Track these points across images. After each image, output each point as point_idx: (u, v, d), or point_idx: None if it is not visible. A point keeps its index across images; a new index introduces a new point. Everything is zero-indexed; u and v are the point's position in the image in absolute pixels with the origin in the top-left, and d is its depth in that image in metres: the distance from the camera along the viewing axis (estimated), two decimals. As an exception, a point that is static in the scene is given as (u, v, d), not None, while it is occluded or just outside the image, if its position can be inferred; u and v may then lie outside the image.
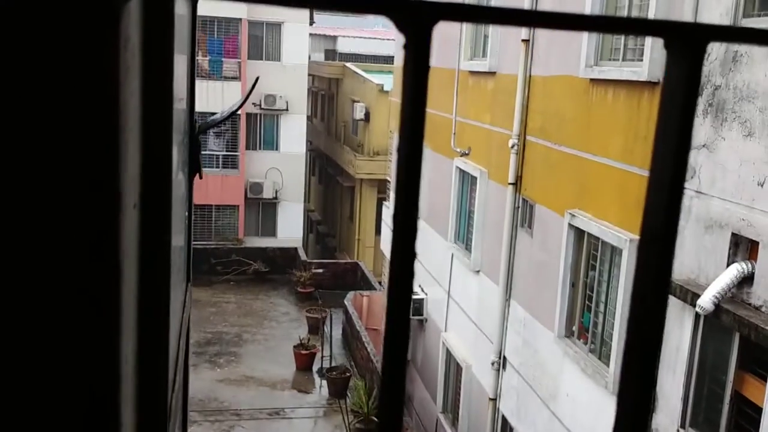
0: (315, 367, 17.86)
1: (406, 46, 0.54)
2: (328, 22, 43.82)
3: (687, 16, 6.75)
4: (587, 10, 8.51)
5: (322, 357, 17.67)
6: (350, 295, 19.92)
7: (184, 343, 1.36)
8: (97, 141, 0.45)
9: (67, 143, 0.45)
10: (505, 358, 10.92)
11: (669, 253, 0.55)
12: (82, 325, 0.49)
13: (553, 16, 0.52)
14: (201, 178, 1.62)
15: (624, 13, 8.12)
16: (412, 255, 0.54)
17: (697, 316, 6.55)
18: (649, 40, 7.37)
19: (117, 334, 0.51)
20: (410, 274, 0.49)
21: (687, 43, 0.52)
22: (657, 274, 0.57)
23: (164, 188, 0.71)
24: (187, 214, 1.52)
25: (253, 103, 25.81)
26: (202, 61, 25.22)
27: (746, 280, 6.06)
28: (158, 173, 0.69)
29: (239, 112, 25.12)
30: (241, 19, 25.22)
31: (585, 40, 8.55)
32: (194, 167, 1.51)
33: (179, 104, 1.33)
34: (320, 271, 23.11)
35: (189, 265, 1.61)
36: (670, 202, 0.56)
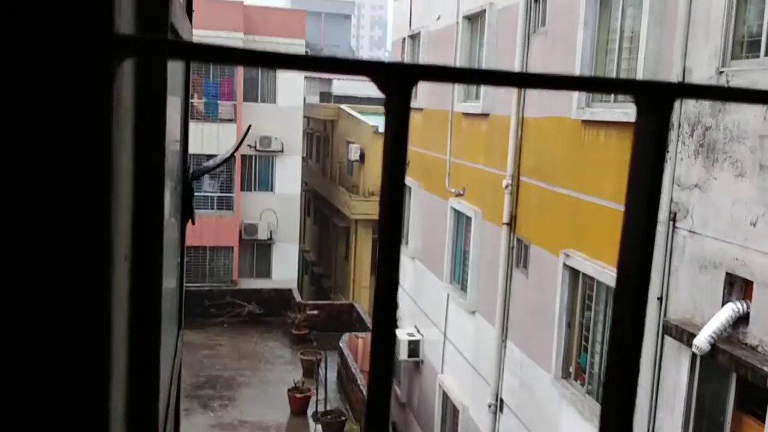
0: (310, 411, 17.62)
1: (386, 105, 0.56)
2: (324, 65, 44.23)
3: (677, 58, 6.87)
4: (578, 58, 8.66)
5: (317, 400, 17.45)
6: (345, 336, 19.78)
7: (175, 390, 1.36)
8: (88, 196, 0.47)
9: (56, 198, 0.46)
10: (502, 400, 10.81)
11: (642, 303, 0.56)
12: (70, 375, 0.50)
13: (526, 77, 0.54)
14: (194, 224, 1.63)
15: (615, 56, 8.27)
16: (393, 325, 0.55)
17: (693, 356, 6.52)
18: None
19: (106, 386, 0.52)
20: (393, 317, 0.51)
21: (655, 100, 0.55)
22: (632, 332, 0.59)
23: (155, 240, 0.73)
24: (179, 260, 1.53)
25: (248, 145, 25.95)
26: (198, 103, 25.44)
27: (742, 319, 6.06)
28: (150, 226, 0.71)
29: (234, 153, 25.24)
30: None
31: (576, 82, 8.68)
32: (187, 213, 1.52)
33: (172, 150, 1.36)
34: (315, 312, 22.97)
35: (181, 311, 1.61)
36: (643, 252, 0.57)
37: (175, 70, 1.37)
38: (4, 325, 0.47)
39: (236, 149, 2.35)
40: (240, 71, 25.73)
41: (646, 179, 0.57)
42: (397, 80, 0.53)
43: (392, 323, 0.54)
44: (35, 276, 0.47)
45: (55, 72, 0.44)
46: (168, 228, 1.19)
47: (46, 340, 0.47)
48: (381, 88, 0.54)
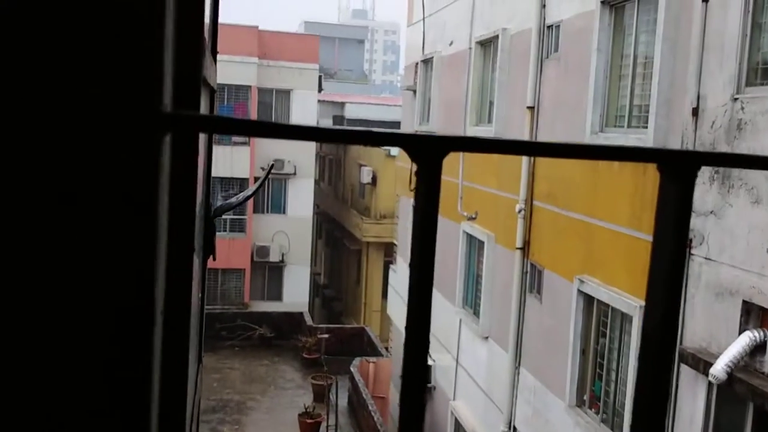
0: (321, 436, 17.51)
1: (417, 173, 0.58)
2: (337, 88, 44.70)
3: (691, 85, 6.87)
4: (591, 84, 8.68)
5: (328, 426, 17.34)
6: (356, 361, 19.67)
7: (196, 426, 1.37)
8: (137, 260, 0.49)
9: (109, 262, 0.49)
10: (515, 427, 10.71)
11: (667, 372, 0.57)
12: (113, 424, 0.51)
13: (552, 147, 0.56)
14: (215, 259, 1.66)
15: (628, 82, 8.28)
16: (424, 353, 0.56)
17: (710, 385, 6.45)
18: (653, 107, 7.50)
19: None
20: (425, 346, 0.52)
21: (679, 169, 0.56)
22: (657, 398, 0.59)
23: (185, 296, 0.75)
24: (200, 294, 1.55)
25: (261, 168, 26.10)
26: (213, 127, 25.65)
27: (759, 348, 5.99)
28: (180, 281, 0.73)
29: (248, 176, 25.40)
30: (250, 87, 25.77)
31: (590, 106, 8.70)
32: (209, 250, 1.55)
33: (198, 191, 1.38)
34: (326, 336, 22.91)
35: (201, 346, 1.63)
36: (668, 315, 0.58)
37: (204, 104, 1.40)
38: (55, 390, 0.48)
39: (259, 187, 2.38)
40: (254, 95, 25.96)
41: (670, 244, 0.58)
42: (429, 151, 0.55)
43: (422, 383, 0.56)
44: (88, 339, 0.49)
45: (109, 147, 0.47)
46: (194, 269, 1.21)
47: (93, 399, 0.49)
48: (413, 158, 0.56)
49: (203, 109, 1.16)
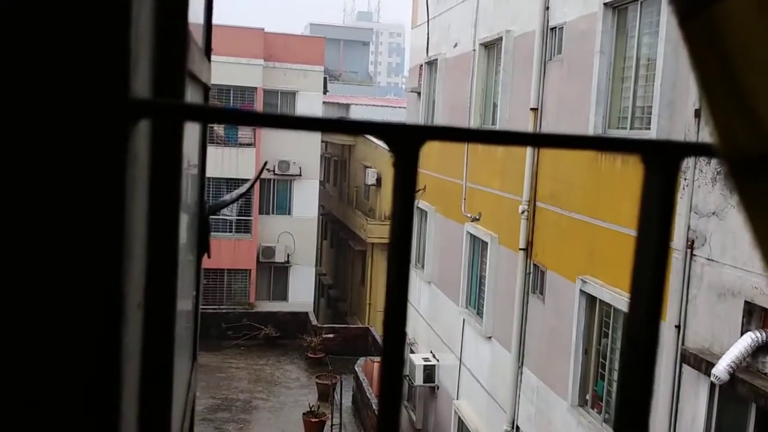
0: (325, 436, 17.51)
1: (395, 164, 0.57)
2: (342, 90, 44.75)
3: (693, 86, 6.86)
4: (594, 85, 8.67)
5: (332, 425, 17.35)
6: (361, 361, 19.70)
7: (188, 425, 1.37)
8: (102, 246, 0.49)
9: (71, 250, 0.48)
10: (518, 427, 10.69)
11: (652, 360, 0.56)
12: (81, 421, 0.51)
13: (535, 137, 0.55)
14: (209, 257, 1.65)
15: (631, 84, 8.27)
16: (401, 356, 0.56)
17: (712, 385, 6.43)
18: (656, 109, 7.48)
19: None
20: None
21: (662, 160, 0.55)
22: (640, 401, 0.59)
23: (169, 286, 0.74)
24: (195, 293, 1.55)
25: (267, 169, 26.13)
26: (218, 128, 25.69)
27: (761, 348, 5.97)
28: (164, 271, 0.73)
29: (251, 188, 25.41)
30: (256, 88, 25.80)
31: (593, 107, 8.69)
32: (203, 248, 1.55)
33: (189, 184, 1.38)
34: (331, 336, 22.93)
35: (195, 343, 1.63)
36: (651, 312, 0.57)
37: (196, 101, 1.39)
38: (12, 381, 0.48)
39: (252, 185, 2.38)
40: (260, 97, 25.99)
41: (653, 237, 0.57)
42: (405, 141, 0.54)
43: (400, 363, 0.55)
44: (48, 327, 0.48)
45: (72, 135, 0.46)
46: (183, 265, 1.20)
47: (55, 391, 0.48)
48: (390, 147, 0.55)
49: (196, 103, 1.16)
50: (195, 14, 1.28)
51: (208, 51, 1.47)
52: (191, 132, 1.37)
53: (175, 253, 0.77)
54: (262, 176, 26.11)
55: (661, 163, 0.56)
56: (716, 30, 0.49)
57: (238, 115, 0.48)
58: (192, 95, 1.13)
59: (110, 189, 0.48)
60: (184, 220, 1.28)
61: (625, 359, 0.60)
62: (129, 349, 0.59)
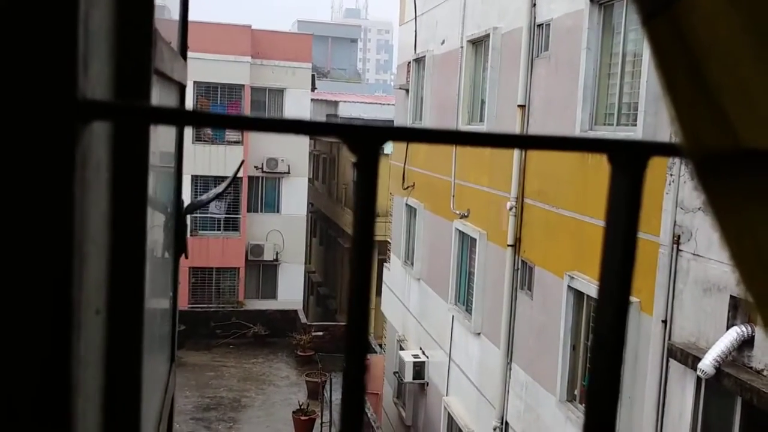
0: (315, 433, 17.51)
1: (356, 164, 0.56)
2: (330, 87, 44.66)
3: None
4: (581, 82, 8.69)
5: (322, 423, 17.35)
6: (351, 358, 19.65)
7: (165, 426, 1.35)
8: (49, 251, 0.47)
9: (17, 256, 0.46)
10: (507, 423, 10.72)
11: (618, 364, 0.56)
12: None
13: (500, 137, 0.54)
14: (187, 257, 1.63)
15: (617, 80, 8.29)
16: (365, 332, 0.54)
17: (698, 380, 6.46)
18: (642, 105, 7.50)
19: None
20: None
21: (629, 159, 0.55)
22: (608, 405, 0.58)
23: (136, 289, 0.73)
24: (172, 294, 1.53)
25: (255, 167, 26.06)
26: (205, 125, 25.56)
27: (746, 343, 6.01)
28: (129, 275, 0.71)
29: (241, 175, 25.35)
30: (244, 85, 25.71)
31: (580, 104, 8.71)
32: (180, 248, 1.53)
33: (164, 185, 1.36)
34: (320, 334, 22.91)
35: (174, 343, 1.61)
36: (619, 308, 0.57)
37: (169, 100, 1.37)
38: None
39: (229, 185, 2.37)
40: (248, 94, 25.90)
41: (620, 235, 0.56)
42: (365, 141, 0.53)
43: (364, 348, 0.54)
44: None
45: (16, 137, 0.45)
46: (158, 266, 1.19)
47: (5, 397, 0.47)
48: (351, 149, 0.54)
49: (166, 103, 1.14)
50: (167, 12, 1.26)
51: (183, 49, 1.45)
52: (166, 131, 1.35)
53: (142, 257, 0.76)
54: (251, 174, 26.04)
55: (628, 162, 0.55)
56: (680, 27, 0.48)
57: (191, 116, 0.46)
58: (163, 95, 1.11)
59: (57, 192, 0.46)
60: (159, 220, 1.26)
61: (594, 356, 0.60)
62: (88, 355, 0.58)
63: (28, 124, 0.45)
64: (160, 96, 1.03)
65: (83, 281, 0.54)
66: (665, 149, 0.56)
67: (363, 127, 0.52)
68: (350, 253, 0.58)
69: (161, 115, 0.45)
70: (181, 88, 1.46)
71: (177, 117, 0.46)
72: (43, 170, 0.46)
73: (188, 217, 1.74)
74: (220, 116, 0.47)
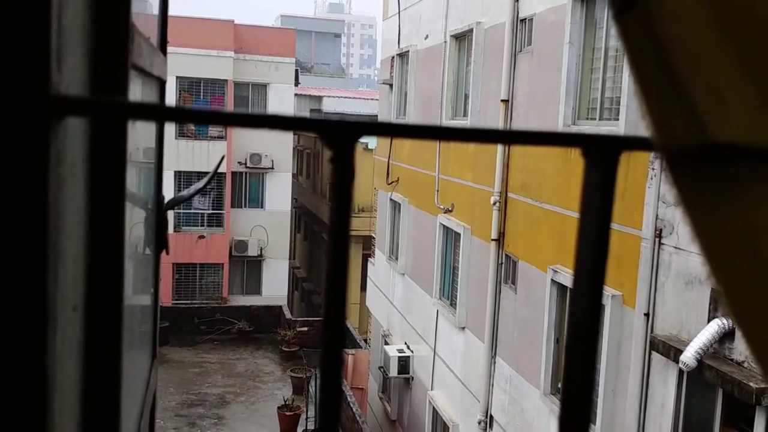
0: (300, 429, 17.51)
1: (332, 159, 0.56)
2: (314, 82, 44.53)
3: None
4: (563, 77, 8.73)
5: (307, 418, 17.35)
6: (336, 353, 19.65)
7: (147, 422, 1.35)
8: (22, 249, 0.47)
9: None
10: (491, 416, 10.78)
11: (593, 352, 0.56)
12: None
13: (470, 132, 0.55)
14: (168, 254, 1.63)
15: (600, 75, 8.33)
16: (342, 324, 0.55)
17: (680, 372, 6.53)
18: (624, 99, 7.55)
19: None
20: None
21: (602, 153, 0.55)
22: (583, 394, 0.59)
23: (114, 286, 0.73)
24: (153, 289, 1.53)
25: (238, 162, 25.96)
26: (188, 120, 25.41)
27: (728, 335, 6.08)
28: (107, 271, 0.71)
29: (225, 171, 25.24)
30: (227, 81, 25.58)
31: (563, 99, 8.75)
32: (161, 244, 1.52)
33: (146, 181, 1.35)
34: (305, 329, 22.88)
35: (155, 339, 1.60)
36: (593, 299, 0.57)
37: (148, 96, 1.37)
38: None
39: (209, 181, 2.36)
40: (231, 89, 25.77)
41: (594, 228, 0.57)
42: (341, 136, 0.54)
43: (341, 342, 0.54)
44: None
45: None
46: (138, 262, 1.18)
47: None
48: (326, 143, 0.55)
49: (145, 99, 1.13)
50: (146, 6, 1.25)
51: (163, 44, 1.44)
52: (146, 126, 1.34)
53: (120, 253, 0.75)
54: (234, 170, 25.93)
55: (601, 156, 0.56)
56: (650, 21, 0.48)
57: (168, 112, 0.46)
58: (142, 90, 1.11)
59: (31, 189, 0.46)
60: (139, 216, 1.26)
61: (569, 346, 0.60)
62: (65, 351, 0.58)
63: (1, 121, 0.45)
64: (139, 92, 1.03)
65: (59, 277, 0.53)
66: (637, 143, 0.56)
67: (338, 122, 0.52)
68: (326, 247, 0.58)
69: (138, 111, 0.45)
70: (161, 84, 1.45)
71: (154, 112, 0.46)
72: (16, 166, 0.45)
73: (169, 212, 1.74)
74: (197, 111, 0.47)
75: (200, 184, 2.20)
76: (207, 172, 24.17)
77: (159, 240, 1.47)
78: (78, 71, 0.59)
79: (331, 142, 0.53)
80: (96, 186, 0.64)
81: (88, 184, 0.62)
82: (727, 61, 0.47)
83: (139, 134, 1.21)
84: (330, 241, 0.56)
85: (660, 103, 0.52)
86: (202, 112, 0.48)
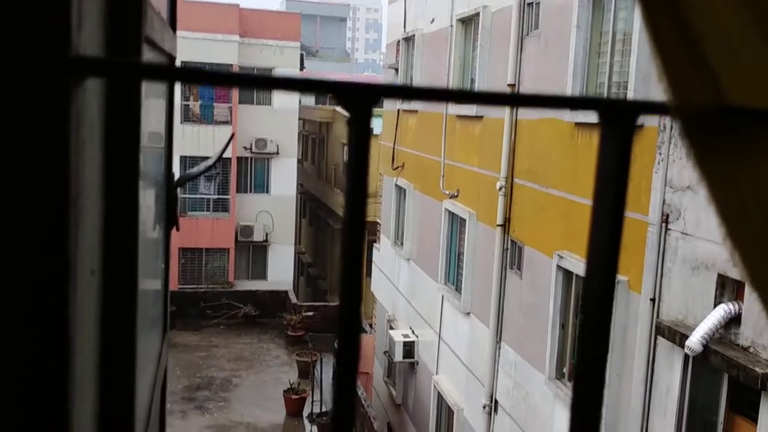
0: (305, 412, 17.62)
1: (349, 122, 0.57)
2: (319, 67, 44.40)
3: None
4: (570, 60, 8.68)
5: (313, 401, 17.46)
6: (341, 338, 19.74)
7: (159, 396, 1.36)
8: (41, 210, 0.47)
9: (8, 216, 0.47)
10: (496, 401, 10.82)
11: (606, 321, 0.56)
12: (27, 403, 0.49)
13: (489, 96, 0.55)
14: (178, 230, 1.64)
15: (607, 59, 8.29)
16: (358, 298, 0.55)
17: (686, 357, 6.54)
18: (632, 83, 7.51)
19: (66, 414, 0.51)
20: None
21: (619, 118, 0.55)
22: (595, 351, 0.59)
23: (129, 254, 0.73)
24: (164, 265, 1.53)
25: (244, 147, 25.96)
26: (194, 106, 25.41)
27: (734, 320, 6.08)
28: (122, 238, 0.71)
29: (230, 156, 25.24)
30: (232, 65, 25.52)
31: (570, 83, 8.70)
32: (171, 220, 1.53)
33: (155, 157, 1.36)
34: (311, 314, 22.97)
35: (166, 316, 1.61)
36: (608, 264, 0.58)
37: (156, 87, 1.37)
38: None
39: (219, 158, 2.36)
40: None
41: (610, 195, 0.57)
42: (359, 99, 0.54)
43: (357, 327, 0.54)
44: None
45: (10, 92, 0.45)
46: (149, 235, 1.19)
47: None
48: (344, 106, 0.55)
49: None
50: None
51: (173, 21, 1.44)
52: (156, 104, 1.34)
53: (135, 217, 0.76)
54: (240, 155, 25.94)
55: (618, 120, 0.56)
56: None
57: (182, 72, 0.47)
58: (157, 61, 1.11)
59: (53, 147, 0.46)
60: (151, 192, 1.26)
61: (582, 328, 0.60)
62: (83, 316, 0.58)
63: (24, 81, 0.45)
64: (152, 57, 1.03)
65: (78, 239, 0.54)
66: (654, 108, 0.56)
67: (356, 84, 0.52)
68: (343, 214, 0.58)
69: (152, 71, 0.46)
70: (171, 60, 1.45)
71: (168, 73, 0.46)
72: (39, 125, 0.46)
73: (179, 190, 1.75)
74: (211, 73, 0.47)
75: (209, 162, 2.20)
76: (210, 158, 24.18)
77: (169, 216, 1.47)
78: (95, 38, 0.59)
79: (350, 104, 0.53)
80: (111, 148, 0.64)
81: (104, 146, 0.62)
82: (742, 22, 0.46)
83: (150, 116, 1.22)
84: (347, 202, 0.56)
85: (676, 65, 0.52)
86: (220, 74, 0.48)
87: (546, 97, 0.54)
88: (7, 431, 0.47)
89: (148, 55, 0.97)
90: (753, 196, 0.52)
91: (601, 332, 0.60)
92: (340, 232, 0.56)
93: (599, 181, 0.59)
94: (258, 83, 0.52)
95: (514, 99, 0.56)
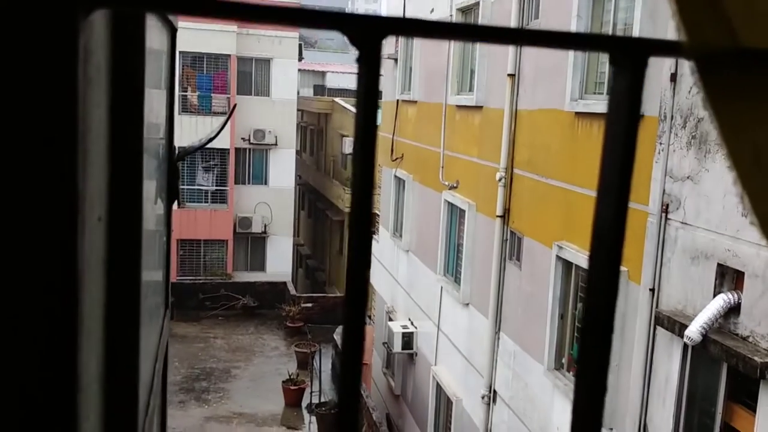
0: (304, 403, 17.66)
1: (358, 59, 0.56)
2: (317, 57, 44.30)
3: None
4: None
5: (311, 392, 17.49)
6: (339, 329, 19.80)
7: (161, 368, 1.36)
8: (52, 149, 0.47)
9: (15, 153, 0.46)
10: (495, 391, 10.85)
11: (616, 260, 0.56)
12: (35, 341, 0.49)
13: (497, 30, 0.54)
14: (179, 206, 1.63)
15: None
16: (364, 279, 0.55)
17: (685, 346, 6.55)
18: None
19: (75, 351, 0.51)
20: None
21: (630, 57, 0.55)
22: (607, 284, 0.58)
23: (134, 203, 0.73)
24: (165, 238, 1.53)
25: (242, 138, 25.91)
26: (192, 96, 25.34)
27: (733, 310, 6.08)
28: (128, 188, 0.71)
29: (228, 147, 25.19)
30: (230, 56, 25.45)
31: (570, 74, 8.69)
32: (173, 194, 1.52)
33: (157, 130, 1.35)
34: (309, 305, 22.99)
35: (168, 293, 1.61)
36: (617, 211, 0.57)
37: (160, 44, 1.36)
38: None
39: (221, 130, 2.35)
40: (234, 64, 25.64)
41: (621, 136, 0.56)
42: (368, 34, 0.53)
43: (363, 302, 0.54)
44: None
45: (16, 26, 0.44)
46: (153, 203, 1.18)
47: (8, 296, 0.47)
48: (352, 41, 0.54)
49: (160, 45, 1.13)
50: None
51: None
52: (159, 99, 1.34)
53: (140, 162, 0.75)
54: (238, 146, 25.88)
55: (629, 60, 0.55)
56: None
57: (184, 2, 0.46)
58: (156, 35, 1.10)
59: (61, 79, 0.46)
60: (153, 164, 1.25)
61: (587, 311, 0.59)
62: (91, 259, 0.58)
63: (30, 11, 0.44)
64: (155, 35, 1.02)
65: (86, 182, 0.53)
66: (666, 47, 0.56)
67: (365, 17, 0.51)
68: (352, 157, 0.58)
69: (159, 2, 0.45)
70: (173, 32, 1.44)
71: (173, 3, 0.45)
72: (47, 57, 0.45)
73: (179, 164, 1.74)
74: (217, 3, 0.46)
75: (212, 134, 2.20)
76: (209, 149, 24.14)
77: (171, 190, 1.47)
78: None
79: (358, 39, 0.53)
80: (116, 87, 0.63)
81: (110, 89, 0.62)
82: None
83: (152, 103, 1.21)
84: (356, 146, 0.55)
85: (691, 6, 0.52)
86: (224, 4, 0.47)
87: (555, 34, 0.53)
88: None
89: (153, 26, 0.96)
90: (764, 139, 0.52)
91: (606, 311, 0.59)
92: (351, 190, 0.55)
93: (609, 122, 0.58)
94: (258, 15, 0.51)
95: (524, 36, 0.56)
